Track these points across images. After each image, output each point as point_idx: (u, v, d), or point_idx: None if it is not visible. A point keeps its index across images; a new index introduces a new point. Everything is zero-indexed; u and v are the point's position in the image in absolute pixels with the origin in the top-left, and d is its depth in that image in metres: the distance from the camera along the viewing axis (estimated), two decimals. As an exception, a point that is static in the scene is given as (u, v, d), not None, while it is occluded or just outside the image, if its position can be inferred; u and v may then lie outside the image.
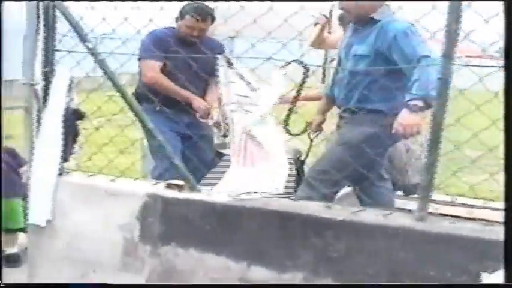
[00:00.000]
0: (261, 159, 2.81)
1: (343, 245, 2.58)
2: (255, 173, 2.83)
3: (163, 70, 4.04)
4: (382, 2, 3.50)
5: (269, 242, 2.70)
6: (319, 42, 4.55)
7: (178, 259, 2.88)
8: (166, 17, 3.51)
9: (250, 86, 2.67)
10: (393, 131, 3.26)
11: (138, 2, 3.13)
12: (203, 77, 3.75)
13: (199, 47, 3.69)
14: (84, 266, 3.11)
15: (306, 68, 2.83)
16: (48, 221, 3.11)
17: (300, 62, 2.84)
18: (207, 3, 4.19)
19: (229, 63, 2.71)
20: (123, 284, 3.44)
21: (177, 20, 4.16)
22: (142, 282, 2.97)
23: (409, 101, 3.19)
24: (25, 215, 4.05)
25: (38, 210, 3.10)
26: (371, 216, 2.57)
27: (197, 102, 4.04)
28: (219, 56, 2.75)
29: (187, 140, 3.97)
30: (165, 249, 2.90)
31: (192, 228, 2.83)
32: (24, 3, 4.61)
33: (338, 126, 3.75)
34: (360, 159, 3.19)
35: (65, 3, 2.99)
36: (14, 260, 4.18)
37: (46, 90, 3.10)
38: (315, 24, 4.44)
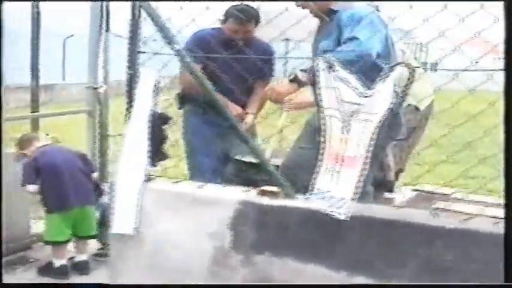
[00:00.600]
0: (357, 165, 2.70)
1: (452, 254, 2.48)
2: (351, 179, 2.71)
3: (204, 72, 3.88)
4: None
5: (372, 251, 2.60)
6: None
7: (273, 268, 2.79)
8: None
9: (357, 92, 2.56)
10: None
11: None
12: (247, 80, 3.65)
13: (244, 49, 3.61)
14: (170, 275, 3.02)
15: (412, 70, 2.69)
16: (135, 229, 3.02)
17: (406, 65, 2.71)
18: (250, 3, 4.10)
19: (330, 67, 2.60)
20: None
21: (222, 22, 4.07)
22: (232, 292, 2.88)
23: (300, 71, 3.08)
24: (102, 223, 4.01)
25: (124, 218, 3.01)
26: (484, 224, 2.47)
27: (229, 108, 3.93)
28: (320, 59, 2.64)
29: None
30: (259, 258, 2.80)
31: (289, 237, 2.74)
32: (89, 5, 4.55)
33: None
34: None
35: (153, 4, 2.89)
36: (82, 268, 4.07)
37: (130, 93, 2.99)
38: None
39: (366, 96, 2.52)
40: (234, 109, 3.90)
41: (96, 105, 4.74)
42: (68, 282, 3.69)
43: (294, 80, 3.10)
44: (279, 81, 3.34)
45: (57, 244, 4.06)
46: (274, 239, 2.77)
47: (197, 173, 4.07)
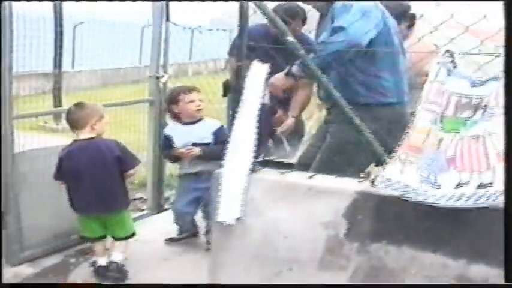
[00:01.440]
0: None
1: None
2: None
3: None
4: None
5: (493, 239, 2.66)
6: None
7: (389, 256, 2.86)
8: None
9: (477, 87, 2.61)
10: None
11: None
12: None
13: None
14: (278, 265, 3.08)
15: None
16: (238, 219, 3.06)
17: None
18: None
19: (453, 61, 2.65)
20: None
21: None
22: (344, 280, 2.95)
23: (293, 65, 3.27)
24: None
25: (228, 209, 3.05)
26: None
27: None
28: (440, 53, 2.70)
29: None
30: (375, 246, 2.87)
31: (407, 226, 2.81)
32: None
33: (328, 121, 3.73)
34: None
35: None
36: (113, 269, 3.93)
37: (238, 84, 3.03)
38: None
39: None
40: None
41: (158, 94, 4.76)
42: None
43: (289, 73, 3.35)
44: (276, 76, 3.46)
45: (89, 240, 4.04)
46: (391, 227, 2.83)
47: None
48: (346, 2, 3.28)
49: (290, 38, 2.92)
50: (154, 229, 4.76)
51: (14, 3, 3.62)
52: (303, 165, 3.68)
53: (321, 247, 2.98)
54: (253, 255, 3.13)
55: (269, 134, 3.09)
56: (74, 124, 3.77)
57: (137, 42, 15.24)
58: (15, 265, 3.96)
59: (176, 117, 4.36)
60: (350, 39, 3.12)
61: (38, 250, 4.13)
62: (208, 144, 4.23)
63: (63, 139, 4.25)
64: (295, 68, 3.29)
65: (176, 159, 4.40)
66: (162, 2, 4.68)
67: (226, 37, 12.48)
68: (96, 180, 3.73)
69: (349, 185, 2.92)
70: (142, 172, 5.14)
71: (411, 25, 4.38)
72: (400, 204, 2.80)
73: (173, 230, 4.55)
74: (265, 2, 3.01)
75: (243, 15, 3.01)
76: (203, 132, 4.25)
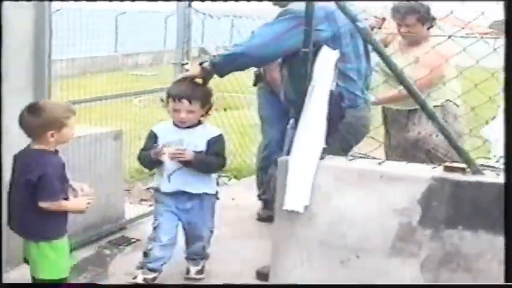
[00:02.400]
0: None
1: None
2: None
3: None
4: None
5: None
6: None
7: (464, 242, 2.86)
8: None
9: None
10: None
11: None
12: None
13: None
14: (345, 252, 3.05)
15: None
16: (305, 207, 3.03)
17: None
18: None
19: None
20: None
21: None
22: (415, 267, 2.94)
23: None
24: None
25: (295, 196, 3.02)
26: None
27: None
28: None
29: None
30: (449, 232, 2.87)
31: (483, 211, 2.81)
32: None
33: None
34: None
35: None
36: None
37: (305, 71, 2.99)
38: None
39: None
40: None
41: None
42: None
43: (202, 65, 3.48)
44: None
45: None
46: (467, 213, 2.83)
47: (263, 140, 4.80)
48: (288, 9, 3.36)
49: (360, 24, 2.88)
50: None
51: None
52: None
53: (392, 234, 2.96)
54: (318, 243, 3.10)
55: (338, 120, 3.03)
56: (26, 132, 2.98)
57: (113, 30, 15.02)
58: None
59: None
60: (244, 46, 3.35)
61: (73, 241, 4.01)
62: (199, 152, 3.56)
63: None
64: (207, 63, 3.43)
65: (154, 163, 3.60)
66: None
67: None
68: (15, 196, 3.04)
69: (425, 172, 2.91)
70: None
71: (430, 27, 4.40)
72: (477, 189, 2.80)
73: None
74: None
75: (308, 4, 2.96)
76: (197, 138, 3.56)
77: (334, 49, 3.14)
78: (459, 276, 2.89)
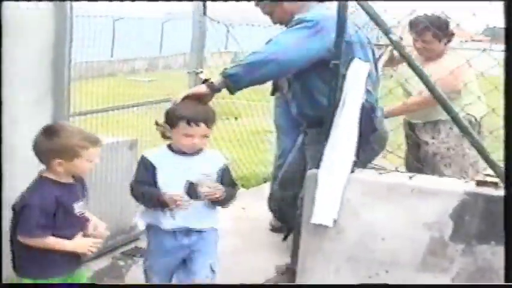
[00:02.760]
0: None
1: None
2: None
3: None
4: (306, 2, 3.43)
5: None
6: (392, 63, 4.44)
7: (496, 258, 2.83)
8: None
9: None
10: None
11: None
12: None
13: None
14: (374, 267, 3.02)
15: None
16: (334, 221, 2.99)
17: None
18: None
19: None
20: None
21: None
22: (447, 281, 2.91)
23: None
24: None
25: (324, 210, 2.98)
26: None
27: None
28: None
29: None
30: (482, 248, 2.84)
31: (517, 226, 2.77)
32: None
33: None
34: None
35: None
36: None
37: (335, 83, 2.95)
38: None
39: None
40: None
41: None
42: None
43: (209, 85, 3.07)
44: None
45: None
46: (500, 228, 2.79)
47: (278, 149, 4.69)
48: (302, 17, 3.27)
49: (393, 36, 2.85)
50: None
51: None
52: (281, 196, 3.82)
53: (422, 248, 2.93)
54: (346, 257, 3.07)
55: (370, 133, 3.00)
56: (35, 154, 2.62)
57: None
58: (66, 269, 3.78)
59: (166, 139, 2.97)
60: (269, 52, 3.09)
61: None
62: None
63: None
64: (216, 80, 3.06)
65: (156, 204, 2.89)
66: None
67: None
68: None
69: (457, 186, 2.88)
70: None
71: (448, 41, 4.32)
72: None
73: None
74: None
75: (341, 14, 2.93)
76: (205, 168, 2.92)
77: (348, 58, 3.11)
78: (491, 292, 2.85)
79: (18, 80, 3.27)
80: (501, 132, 2.56)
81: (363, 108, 2.92)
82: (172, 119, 2.90)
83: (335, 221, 2.99)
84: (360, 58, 3.18)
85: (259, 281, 3.83)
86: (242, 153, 6.58)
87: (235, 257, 4.07)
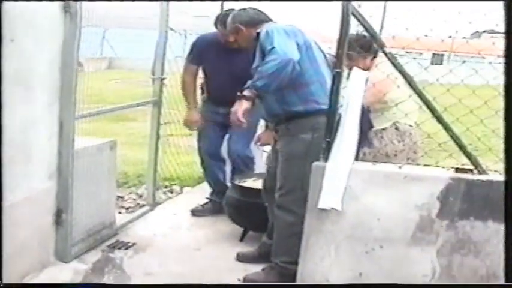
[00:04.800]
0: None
1: None
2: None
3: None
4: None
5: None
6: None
7: (474, 230, 3.43)
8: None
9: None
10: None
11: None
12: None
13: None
14: (370, 243, 3.53)
15: None
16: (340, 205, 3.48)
17: None
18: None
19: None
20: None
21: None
22: (433, 252, 3.48)
23: (243, 90, 3.58)
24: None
25: (330, 197, 3.45)
26: None
27: None
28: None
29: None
30: (463, 223, 3.43)
31: (492, 205, 3.39)
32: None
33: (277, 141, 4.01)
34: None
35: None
36: None
37: (335, 90, 3.44)
38: None
39: None
40: None
41: (162, 95, 4.98)
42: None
43: (241, 97, 3.62)
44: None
45: None
46: (478, 206, 3.40)
47: (199, 150, 5.19)
48: (268, 28, 3.72)
49: (387, 50, 3.37)
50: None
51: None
52: (269, 188, 4.12)
53: (413, 226, 3.48)
54: (345, 237, 3.56)
55: (368, 130, 3.52)
56: None
57: None
58: (67, 262, 4.01)
59: None
60: (283, 56, 3.50)
61: (81, 247, 4.20)
62: None
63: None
64: (247, 92, 3.59)
65: None
66: (166, 6, 4.85)
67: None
68: None
69: (443, 173, 3.45)
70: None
71: (374, 57, 4.52)
72: (487, 186, 3.38)
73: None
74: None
75: (344, 27, 3.41)
76: None
77: (309, 57, 3.77)
78: (469, 260, 3.45)
79: (35, 82, 3.49)
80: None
81: (362, 109, 3.42)
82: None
83: (340, 205, 3.46)
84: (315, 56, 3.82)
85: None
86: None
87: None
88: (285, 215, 3.83)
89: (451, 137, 3.45)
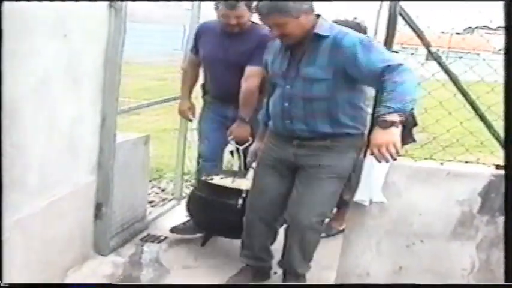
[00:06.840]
0: None
1: None
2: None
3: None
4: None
5: None
6: None
7: (513, 225, 3.54)
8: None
9: None
10: (369, 154, 3.01)
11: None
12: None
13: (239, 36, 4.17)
14: (411, 238, 3.64)
15: None
16: (371, 201, 3.58)
17: None
18: None
19: None
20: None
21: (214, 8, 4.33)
22: (473, 247, 3.58)
23: (382, 115, 2.83)
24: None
25: (367, 191, 3.53)
26: None
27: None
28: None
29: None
30: (502, 218, 3.53)
31: (531, 201, 3.50)
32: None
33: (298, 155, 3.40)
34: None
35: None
36: None
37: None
38: None
39: None
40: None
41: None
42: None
43: (391, 123, 2.85)
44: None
45: None
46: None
47: (200, 152, 4.68)
48: (360, 37, 3.20)
49: (433, 49, 3.45)
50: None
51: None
52: (264, 213, 3.70)
53: (453, 221, 3.58)
54: (386, 231, 3.65)
55: (412, 127, 3.59)
56: None
57: None
58: (105, 255, 4.06)
59: None
60: (413, 73, 3.06)
61: (117, 240, 4.25)
62: None
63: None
64: (395, 116, 2.83)
65: None
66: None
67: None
68: None
69: (485, 169, 3.55)
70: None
71: None
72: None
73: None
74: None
75: (391, 26, 3.47)
76: None
77: None
78: (508, 254, 3.55)
79: (83, 77, 3.56)
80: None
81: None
82: None
83: (371, 201, 3.55)
84: None
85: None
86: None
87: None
88: (318, 236, 3.55)
89: (493, 135, 3.53)
